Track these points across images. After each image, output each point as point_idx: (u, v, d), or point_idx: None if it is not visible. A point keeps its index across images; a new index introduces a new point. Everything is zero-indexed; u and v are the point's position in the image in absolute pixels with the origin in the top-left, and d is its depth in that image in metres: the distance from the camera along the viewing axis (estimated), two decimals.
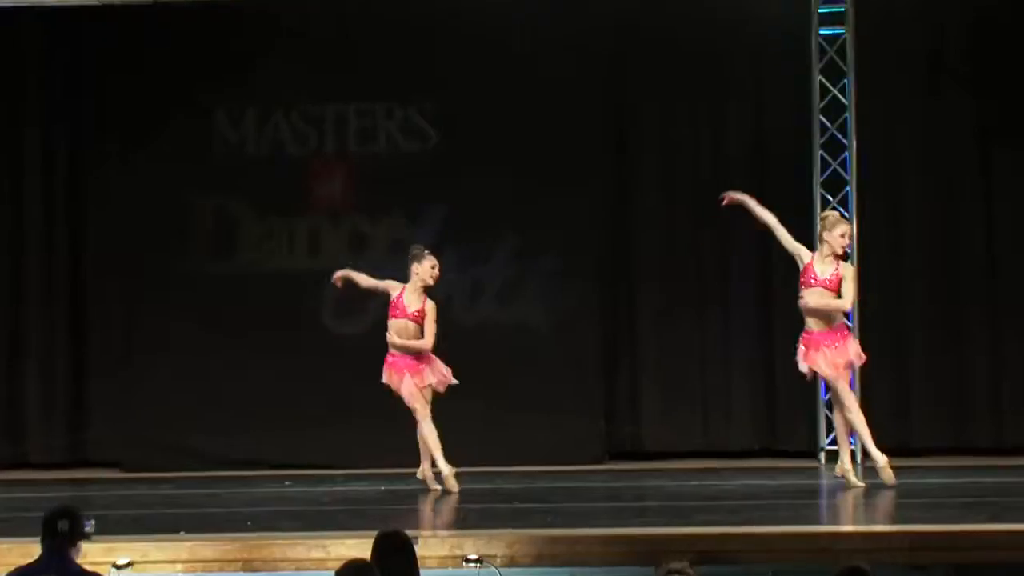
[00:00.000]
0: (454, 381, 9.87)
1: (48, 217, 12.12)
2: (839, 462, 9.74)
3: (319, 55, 11.77)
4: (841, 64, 11.54)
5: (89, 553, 7.22)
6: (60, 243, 12.13)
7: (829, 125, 11.56)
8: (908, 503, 9.11)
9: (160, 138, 11.81)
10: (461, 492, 9.87)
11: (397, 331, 9.82)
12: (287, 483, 10.71)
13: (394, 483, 10.49)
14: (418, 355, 9.81)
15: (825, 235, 9.54)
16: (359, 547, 7.17)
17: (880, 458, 9.50)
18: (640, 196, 11.94)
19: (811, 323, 9.58)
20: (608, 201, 11.87)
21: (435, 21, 11.73)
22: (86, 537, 6.56)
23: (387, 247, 11.84)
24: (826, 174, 11.56)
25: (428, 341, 9.76)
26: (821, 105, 11.56)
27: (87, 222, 12.14)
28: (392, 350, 9.86)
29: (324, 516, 9.19)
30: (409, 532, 5.80)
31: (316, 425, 11.39)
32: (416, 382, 9.74)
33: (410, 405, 9.77)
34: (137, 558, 7.67)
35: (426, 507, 9.41)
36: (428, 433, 9.71)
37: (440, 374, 9.84)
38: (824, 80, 11.57)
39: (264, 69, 11.76)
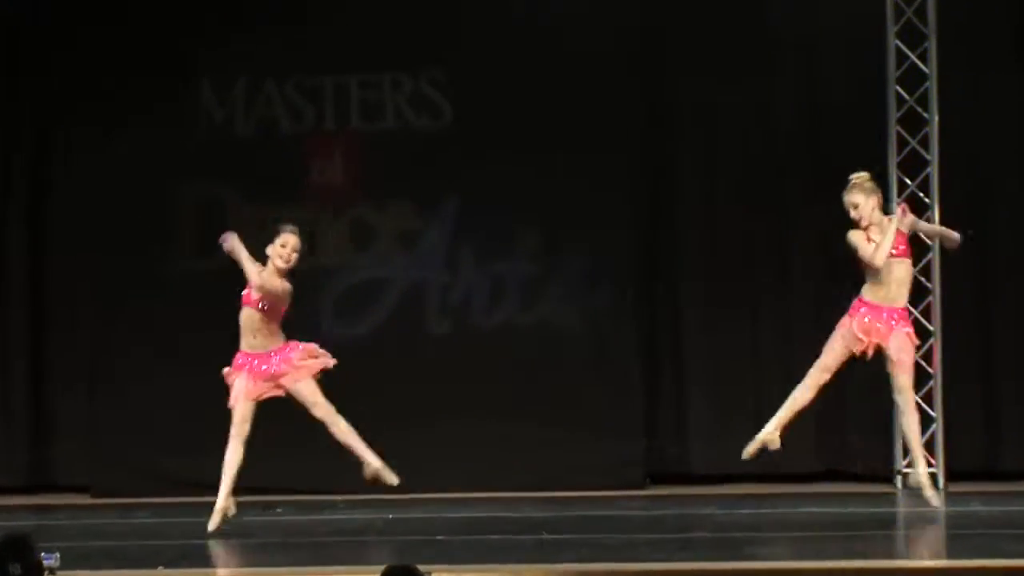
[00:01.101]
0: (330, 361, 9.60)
1: (3, 210, 12.13)
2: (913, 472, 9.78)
3: (317, 18, 11.75)
4: (921, 26, 11.45)
5: None
6: (18, 239, 12.13)
7: (907, 97, 11.48)
8: (999, 534, 9.05)
9: (134, 116, 11.79)
10: (482, 520, 9.84)
11: (242, 322, 9.61)
12: (279, 510, 10.72)
13: (403, 511, 10.48)
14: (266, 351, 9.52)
15: None
16: None
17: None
18: (683, 183, 11.89)
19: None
20: (646, 188, 11.82)
21: None
22: (49, 572, 6.53)
23: (395, 239, 11.85)
24: (903, 153, 11.48)
25: (251, 273, 9.39)
26: (897, 74, 11.48)
27: (50, 215, 12.15)
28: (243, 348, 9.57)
29: (321, 549, 9.18)
30: (421, 567, 5.76)
31: (313, 444, 11.33)
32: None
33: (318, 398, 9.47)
34: None
35: (440, 537, 9.38)
36: None
37: (296, 361, 9.55)
38: (901, 45, 11.49)
39: (254, 34, 11.73)
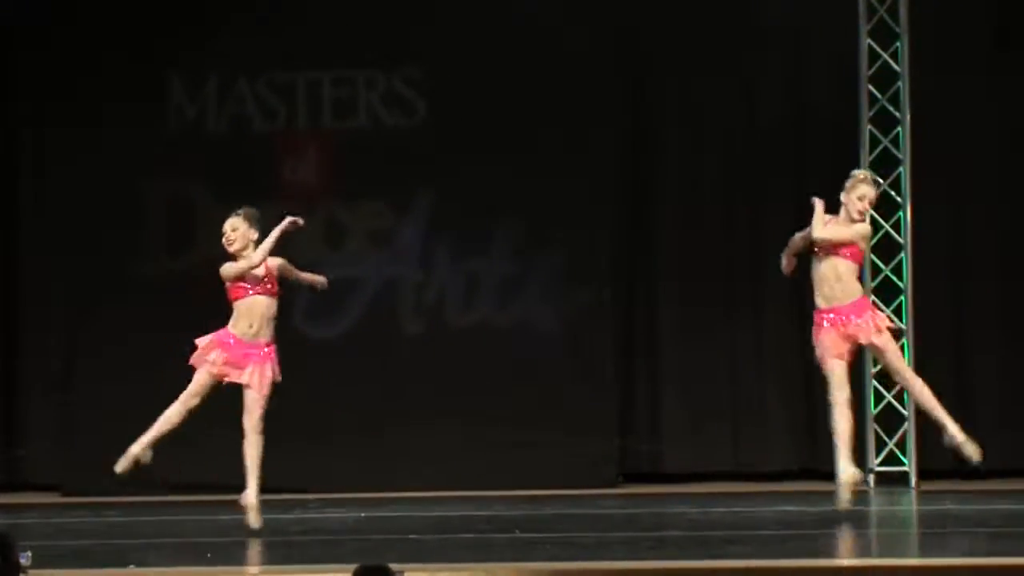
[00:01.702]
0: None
1: None
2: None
3: (290, 16, 11.74)
4: (893, 25, 11.50)
5: None
6: None
7: (879, 96, 11.54)
8: (972, 532, 9.10)
9: (104, 114, 11.77)
10: (456, 519, 9.86)
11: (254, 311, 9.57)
12: None
13: (375, 509, 10.49)
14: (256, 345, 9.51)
15: (843, 197, 9.50)
16: None
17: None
18: (660, 182, 11.92)
19: (818, 298, 9.50)
20: (624, 187, 11.85)
21: None
22: (22, 571, 6.54)
23: (368, 238, 11.85)
24: (876, 152, 11.53)
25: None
26: (870, 73, 11.54)
27: (22, 216, 12.12)
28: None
29: (294, 547, 9.19)
30: (393, 566, 5.78)
31: (285, 443, 11.34)
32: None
33: (256, 409, 9.43)
34: None
35: (412, 536, 9.40)
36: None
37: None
38: (873, 44, 11.54)
39: (226, 31, 11.73)
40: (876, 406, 11.40)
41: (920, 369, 11.33)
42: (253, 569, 8.40)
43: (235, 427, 10.43)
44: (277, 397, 10.89)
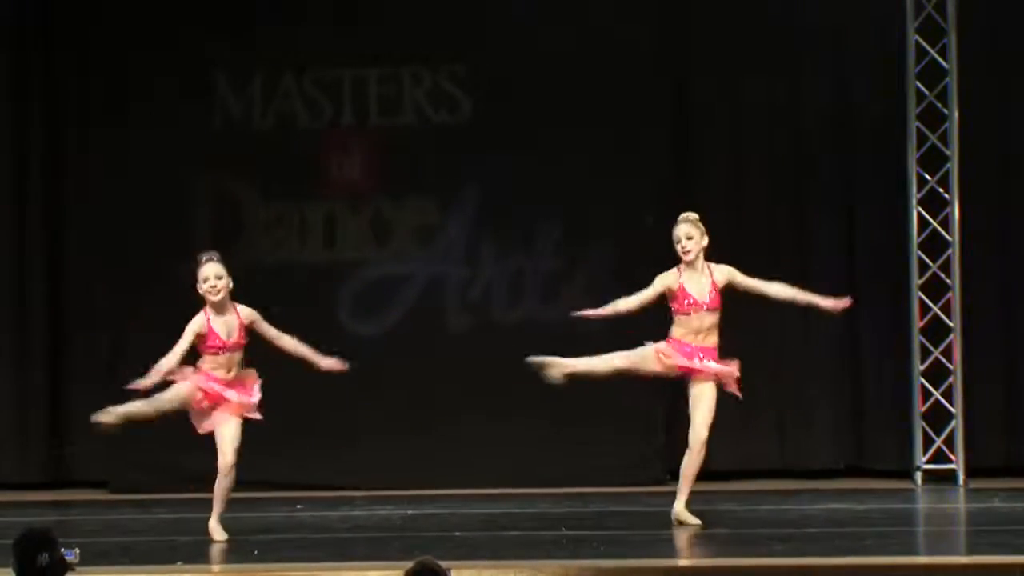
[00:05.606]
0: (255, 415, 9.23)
1: (20, 204, 12.17)
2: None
3: (335, 12, 11.77)
4: (941, 21, 11.45)
5: None
6: (36, 240, 12.16)
7: (927, 92, 11.47)
8: (1020, 531, 9.06)
9: (148, 112, 11.81)
10: (502, 517, 9.84)
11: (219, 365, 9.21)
12: (299, 506, 10.75)
13: (422, 507, 10.49)
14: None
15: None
16: None
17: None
18: (705, 177, 11.89)
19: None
20: (669, 183, 11.82)
21: None
22: (70, 569, 6.56)
23: (413, 235, 11.86)
24: (923, 149, 11.47)
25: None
26: (917, 69, 11.48)
27: (67, 216, 12.17)
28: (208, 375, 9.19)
29: (341, 544, 9.21)
30: (440, 563, 5.76)
31: (332, 440, 11.40)
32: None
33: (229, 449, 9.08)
34: None
35: (458, 534, 9.40)
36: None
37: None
38: (921, 40, 11.48)
39: (271, 28, 11.76)
40: (924, 404, 11.33)
41: (968, 367, 11.30)
42: (301, 565, 8.41)
43: (284, 427, 10.48)
44: (326, 395, 10.92)
